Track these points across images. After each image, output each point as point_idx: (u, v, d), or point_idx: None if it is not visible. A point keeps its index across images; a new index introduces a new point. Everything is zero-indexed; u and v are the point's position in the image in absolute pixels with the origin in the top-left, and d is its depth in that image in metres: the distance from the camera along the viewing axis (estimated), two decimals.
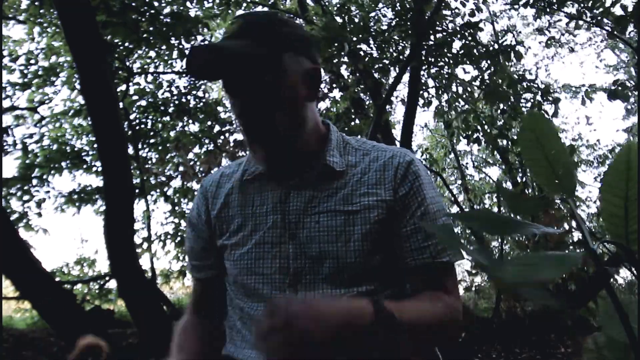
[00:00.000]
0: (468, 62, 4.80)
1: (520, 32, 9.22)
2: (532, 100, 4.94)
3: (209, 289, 1.16)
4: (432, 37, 4.77)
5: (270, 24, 0.97)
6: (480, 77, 5.02)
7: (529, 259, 0.37)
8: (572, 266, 0.36)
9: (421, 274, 0.98)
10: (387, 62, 5.00)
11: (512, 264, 0.36)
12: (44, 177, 5.69)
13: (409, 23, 4.57)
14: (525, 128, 0.47)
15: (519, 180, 5.82)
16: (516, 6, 5.07)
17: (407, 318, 0.83)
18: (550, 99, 4.82)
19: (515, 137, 5.21)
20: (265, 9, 6.77)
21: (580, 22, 4.26)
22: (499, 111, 5.09)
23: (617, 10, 3.91)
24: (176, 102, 5.71)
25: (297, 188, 1.01)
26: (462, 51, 4.69)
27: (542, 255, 0.38)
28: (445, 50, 4.74)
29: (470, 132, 5.26)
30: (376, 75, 5.26)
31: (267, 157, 1.01)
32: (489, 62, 4.82)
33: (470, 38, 4.66)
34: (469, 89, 5.33)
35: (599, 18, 4.03)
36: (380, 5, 5.55)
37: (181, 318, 1.17)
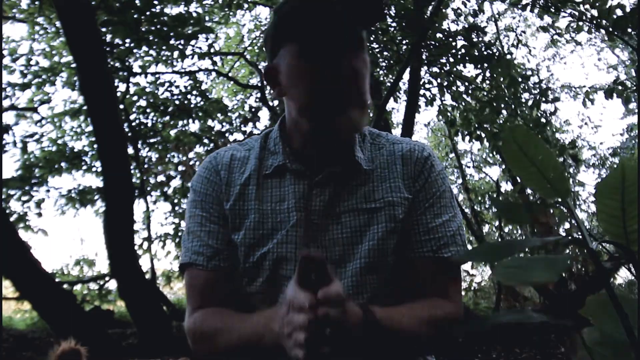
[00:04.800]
0: (469, 61, 4.80)
1: (524, 31, 9.20)
2: (531, 98, 4.93)
3: (224, 281, 0.96)
4: (433, 36, 4.77)
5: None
6: (482, 75, 5.02)
7: (523, 262, 0.38)
8: (563, 268, 0.36)
9: (422, 270, 0.94)
10: (391, 61, 5.00)
11: (505, 265, 0.37)
12: (44, 177, 5.69)
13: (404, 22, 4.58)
14: (506, 142, 0.47)
15: (519, 180, 5.82)
16: (516, 9, 5.07)
17: (398, 326, 0.82)
18: (550, 98, 4.82)
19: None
20: (266, 9, 6.78)
21: (580, 23, 4.25)
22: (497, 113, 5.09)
23: (616, 7, 3.90)
24: (176, 102, 5.71)
25: (320, 185, 0.95)
26: (463, 51, 4.70)
27: (534, 258, 0.38)
28: (447, 49, 4.75)
29: (472, 130, 5.25)
30: (376, 74, 5.26)
31: (332, 139, 0.94)
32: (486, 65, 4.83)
33: (468, 41, 4.67)
34: (471, 88, 5.32)
35: (599, 20, 4.02)
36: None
37: (188, 322, 0.95)
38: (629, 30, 3.85)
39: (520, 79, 4.99)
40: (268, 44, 0.97)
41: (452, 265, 0.95)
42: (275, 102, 6.07)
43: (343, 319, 0.72)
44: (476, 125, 5.28)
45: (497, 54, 4.91)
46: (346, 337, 0.73)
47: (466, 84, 5.26)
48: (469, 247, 1.01)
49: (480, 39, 4.80)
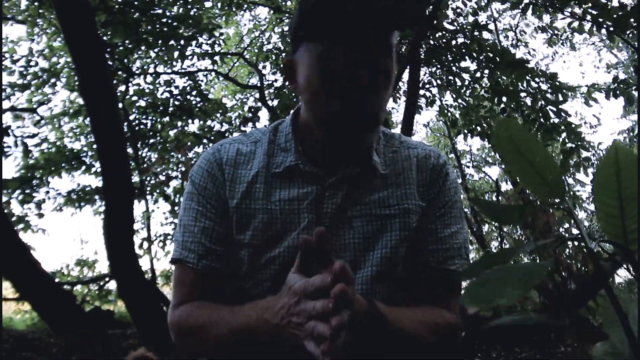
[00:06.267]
0: (468, 59, 4.76)
1: (525, 32, 9.21)
2: (534, 90, 4.85)
3: (215, 282, 0.92)
4: (432, 36, 4.77)
5: None
6: (481, 71, 4.98)
7: (495, 275, 0.35)
8: (539, 278, 0.34)
9: (426, 280, 0.93)
10: None
11: (477, 284, 0.34)
12: (44, 178, 5.69)
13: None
14: (500, 135, 0.45)
15: (518, 180, 5.81)
16: (517, 11, 5.05)
17: (400, 326, 0.81)
18: (556, 87, 4.70)
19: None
20: (266, 9, 6.77)
21: (581, 22, 4.23)
22: (499, 108, 5.05)
23: (615, 3, 3.89)
24: (176, 102, 5.71)
25: (333, 187, 0.90)
26: (463, 49, 4.67)
27: (508, 269, 0.35)
28: (446, 48, 4.72)
29: (472, 127, 5.22)
30: None
31: (346, 144, 0.88)
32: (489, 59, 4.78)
33: (470, 37, 4.64)
34: (471, 85, 5.29)
35: (600, 20, 4.00)
36: None
37: (172, 316, 0.91)
38: (629, 29, 3.84)
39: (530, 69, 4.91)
40: (290, 35, 0.91)
41: (455, 277, 0.94)
42: (275, 102, 6.07)
43: (353, 302, 0.68)
44: (478, 122, 5.25)
45: (500, 53, 4.86)
46: (353, 325, 0.69)
47: (467, 80, 5.23)
48: (470, 247, 1.01)
49: (480, 35, 4.76)
